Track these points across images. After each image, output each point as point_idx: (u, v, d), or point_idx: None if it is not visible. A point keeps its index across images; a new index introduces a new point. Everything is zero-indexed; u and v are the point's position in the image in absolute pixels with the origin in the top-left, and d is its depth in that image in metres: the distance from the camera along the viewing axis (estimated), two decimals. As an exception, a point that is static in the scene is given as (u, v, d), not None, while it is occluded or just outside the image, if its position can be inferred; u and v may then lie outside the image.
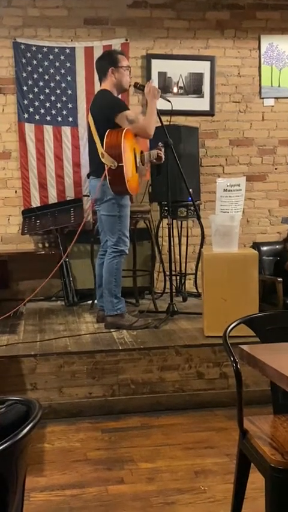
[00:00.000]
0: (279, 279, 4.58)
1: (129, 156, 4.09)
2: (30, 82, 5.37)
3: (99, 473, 2.90)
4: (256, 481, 2.17)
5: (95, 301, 4.76)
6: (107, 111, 4.04)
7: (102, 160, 3.99)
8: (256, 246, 5.22)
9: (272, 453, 1.87)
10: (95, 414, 3.63)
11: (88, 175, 4.44)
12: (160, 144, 4.42)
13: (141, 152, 4.35)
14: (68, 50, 5.43)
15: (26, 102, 5.38)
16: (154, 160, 4.42)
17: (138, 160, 4.27)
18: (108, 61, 4.22)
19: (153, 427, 3.47)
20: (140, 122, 4.10)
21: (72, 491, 2.72)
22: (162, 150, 4.42)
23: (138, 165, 4.24)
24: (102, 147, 3.99)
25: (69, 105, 5.44)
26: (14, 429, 1.30)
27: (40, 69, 5.39)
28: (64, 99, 5.43)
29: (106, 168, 3.96)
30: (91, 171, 4.30)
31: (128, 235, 4.21)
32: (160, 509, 2.55)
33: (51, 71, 5.40)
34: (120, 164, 3.93)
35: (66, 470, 2.95)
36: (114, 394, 3.72)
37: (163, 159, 4.41)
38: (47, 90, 5.41)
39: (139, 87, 4.44)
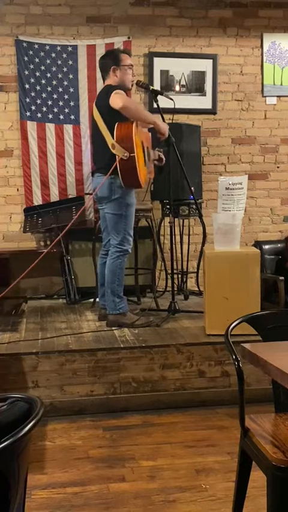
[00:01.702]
0: (280, 278, 4.58)
1: (139, 148, 4.08)
2: (32, 80, 5.37)
3: (101, 471, 2.90)
4: (257, 479, 2.17)
5: (97, 300, 4.76)
6: (109, 99, 4.00)
7: (113, 151, 3.95)
8: (258, 244, 5.21)
9: (273, 451, 1.87)
10: (96, 412, 3.63)
11: (93, 173, 4.42)
12: (160, 148, 4.41)
13: (147, 148, 4.34)
14: (70, 48, 5.42)
15: (28, 100, 5.38)
16: (156, 162, 4.41)
17: (146, 154, 4.25)
18: (111, 60, 4.21)
19: (154, 425, 3.47)
20: (131, 102, 4.04)
21: (74, 489, 2.72)
22: (162, 152, 4.41)
23: (146, 158, 4.23)
24: (113, 138, 3.97)
25: (71, 103, 5.44)
26: (15, 427, 1.30)
27: (42, 67, 5.38)
28: (66, 97, 5.43)
29: (117, 158, 3.93)
30: (98, 168, 4.26)
31: (132, 234, 4.21)
32: (161, 507, 2.55)
33: (54, 68, 5.40)
34: (132, 154, 3.90)
35: (68, 468, 2.95)
36: (116, 392, 3.72)
37: (164, 161, 4.40)
38: (49, 88, 5.41)
39: (142, 85, 4.44)
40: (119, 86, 4.20)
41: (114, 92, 3.97)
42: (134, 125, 3.96)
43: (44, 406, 1.37)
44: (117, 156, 3.93)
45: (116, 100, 3.92)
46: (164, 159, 4.40)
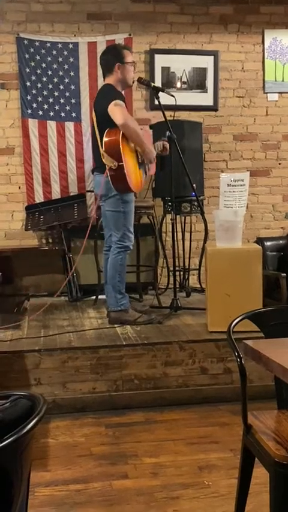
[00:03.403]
0: (283, 274, 4.58)
1: (130, 153, 4.07)
2: (33, 77, 5.37)
3: (103, 468, 2.91)
4: (260, 476, 2.17)
5: (100, 297, 4.76)
6: (106, 105, 3.99)
7: (103, 160, 3.97)
8: (260, 241, 5.21)
9: (276, 448, 1.87)
10: (98, 409, 3.64)
11: (93, 171, 4.43)
12: (164, 137, 4.40)
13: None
14: (71, 45, 5.41)
15: (29, 97, 5.37)
16: (159, 152, 4.40)
17: (140, 156, 4.25)
18: (115, 56, 4.19)
19: (157, 422, 3.47)
20: (131, 120, 4.03)
21: (77, 486, 2.73)
22: (166, 140, 4.40)
23: (140, 161, 4.23)
24: (102, 148, 3.98)
25: (73, 101, 5.44)
26: (18, 424, 1.30)
27: (43, 65, 5.38)
28: (67, 94, 5.43)
29: (107, 167, 3.94)
30: (95, 167, 4.30)
31: (132, 230, 4.21)
32: (164, 504, 2.56)
33: (55, 66, 5.39)
34: (120, 164, 3.91)
35: (71, 465, 2.95)
36: (118, 390, 3.72)
37: (168, 151, 4.40)
38: (50, 86, 5.40)
39: (143, 82, 4.43)
40: (120, 85, 4.20)
41: (114, 102, 3.93)
42: (121, 132, 3.95)
43: (46, 403, 1.37)
44: (106, 165, 3.93)
45: (117, 115, 3.91)
46: (168, 147, 4.38)
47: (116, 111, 3.91)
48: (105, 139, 3.97)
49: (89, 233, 4.84)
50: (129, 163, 4.01)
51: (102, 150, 3.98)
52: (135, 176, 4.11)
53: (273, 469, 1.85)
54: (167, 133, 4.37)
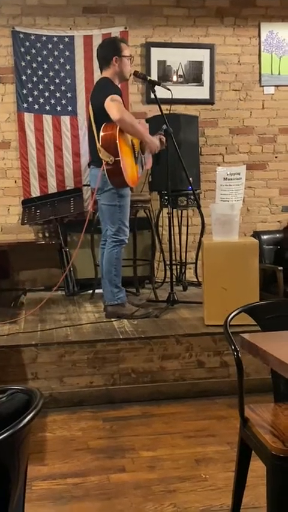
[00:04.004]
0: (279, 268, 4.58)
1: (127, 148, 4.06)
2: (29, 71, 5.34)
3: (101, 462, 2.91)
4: (257, 468, 2.18)
5: (96, 291, 4.75)
6: (103, 99, 3.98)
7: (100, 155, 3.96)
8: (256, 234, 5.21)
9: (273, 441, 1.88)
10: (96, 403, 3.64)
11: (89, 165, 4.42)
12: (160, 131, 4.39)
13: (141, 142, 4.32)
14: (67, 39, 5.39)
15: (25, 91, 5.35)
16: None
17: (137, 151, 4.25)
18: (112, 49, 4.17)
19: (154, 416, 3.48)
20: (128, 115, 4.01)
21: (74, 480, 2.74)
22: (162, 134, 4.39)
23: (137, 155, 4.22)
24: (99, 142, 3.96)
25: (69, 94, 5.41)
26: (15, 418, 1.30)
27: (39, 58, 5.35)
28: (63, 88, 5.40)
29: (104, 162, 3.94)
30: (92, 161, 4.28)
31: (127, 225, 4.20)
32: (161, 497, 2.56)
33: (50, 59, 5.37)
34: (116, 159, 3.90)
35: (68, 459, 2.96)
36: (115, 383, 3.73)
37: (165, 145, 4.39)
38: (46, 80, 5.38)
39: (139, 76, 4.42)
40: (117, 78, 4.19)
41: (110, 97, 3.92)
42: (118, 126, 3.93)
43: (43, 397, 1.37)
44: (103, 160, 3.93)
45: (113, 110, 3.90)
46: (165, 140, 4.37)
47: (112, 106, 3.90)
48: (101, 134, 3.95)
49: (86, 227, 4.85)
50: (126, 158, 4.00)
51: (98, 145, 3.97)
52: (132, 171, 4.10)
53: (270, 462, 1.86)
54: (164, 127, 4.37)
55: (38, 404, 1.33)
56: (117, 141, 3.89)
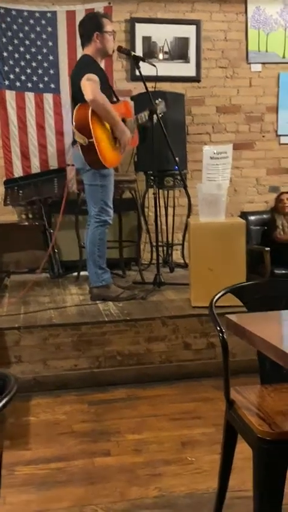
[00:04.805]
0: (266, 249, 4.54)
1: (102, 129, 3.92)
2: (10, 48, 5.20)
3: (85, 446, 2.86)
4: (243, 451, 2.12)
5: (81, 273, 4.68)
6: (81, 78, 3.84)
7: (75, 137, 3.85)
8: (244, 215, 5.16)
9: (259, 424, 1.82)
10: (81, 386, 3.58)
11: (73, 144, 4.31)
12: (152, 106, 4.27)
13: (123, 120, 4.19)
14: (49, 14, 5.25)
15: (6, 68, 5.21)
16: (143, 123, 4.26)
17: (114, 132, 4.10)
18: (93, 25, 4.05)
19: (140, 399, 3.43)
20: (101, 97, 3.84)
21: (58, 465, 2.68)
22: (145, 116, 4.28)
23: (115, 134, 4.06)
24: (72, 124, 3.85)
25: (51, 71, 5.29)
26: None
27: (21, 34, 5.21)
28: (45, 65, 5.28)
29: (78, 144, 3.83)
30: (75, 140, 4.17)
31: (111, 205, 4.11)
32: (146, 481, 2.52)
33: (32, 36, 5.23)
34: (90, 140, 3.78)
35: (52, 443, 2.90)
36: (100, 366, 3.67)
37: (155, 120, 4.26)
38: (28, 56, 5.25)
39: (123, 51, 4.30)
40: (99, 55, 4.07)
41: (86, 76, 3.79)
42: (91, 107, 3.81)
43: (17, 382, 1.30)
44: (78, 142, 3.82)
45: (87, 90, 3.77)
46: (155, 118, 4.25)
47: (86, 85, 3.78)
48: (75, 114, 3.84)
49: (70, 208, 4.75)
50: (101, 139, 3.87)
51: (72, 127, 3.85)
52: (110, 152, 3.96)
53: (256, 446, 1.81)
54: (158, 100, 4.25)
55: (12, 390, 1.26)
56: (90, 122, 3.77)
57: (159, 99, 4.32)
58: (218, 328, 1.97)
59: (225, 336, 1.95)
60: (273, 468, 1.80)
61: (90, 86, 3.78)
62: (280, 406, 1.96)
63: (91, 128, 3.77)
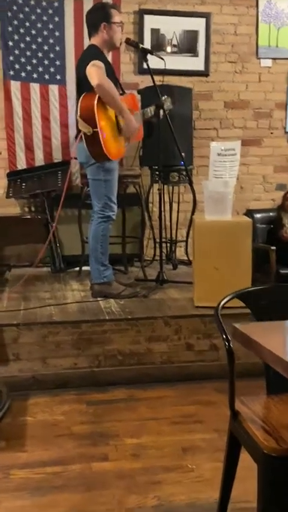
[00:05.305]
0: (272, 248, 4.45)
1: (107, 119, 3.82)
2: (16, 37, 5.10)
3: (83, 449, 2.79)
4: (246, 459, 2.04)
5: (83, 268, 4.60)
6: (86, 67, 3.75)
7: (79, 127, 3.75)
8: (250, 213, 5.06)
9: (265, 438, 1.75)
10: (80, 385, 3.51)
11: (76, 136, 4.22)
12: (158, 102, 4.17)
13: (133, 111, 4.09)
14: (56, 4, 5.14)
15: (11, 58, 5.11)
16: (149, 118, 4.16)
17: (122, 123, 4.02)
18: (101, 15, 3.96)
19: (140, 400, 3.35)
20: (108, 83, 3.74)
21: (54, 469, 2.61)
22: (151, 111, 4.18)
23: (120, 126, 3.97)
24: (77, 113, 3.75)
25: (57, 62, 5.18)
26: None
27: (27, 23, 5.10)
28: (52, 55, 5.17)
29: (82, 133, 3.73)
30: (78, 131, 4.07)
31: (115, 200, 4.02)
32: (145, 489, 2.44)
33: (39, 25, 5.12)
34: (95, 130, 3.68)
35: (48, 446, 2.83)
36: (100, 365, 3.60)
37: (161, 116, 4.17)
38: (34, 46, 5.14)
39: (131, 43, 4.20)
40: (106, 46, 3.98)
41: (92, 63, 3.70)
42: (97, 96, 3.72)
43: (10, 399, 1.22)
44: (81, 132, 3.72)
45: (93, 75, 3.68)
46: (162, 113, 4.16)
47: (92, 71, 3.69)
48: (81, 103, 3.75)
49: (73, 202, 4.67)
50: (106, 130, 3.78)
51: (77, 116, 3.76)
52: (114, 144, 3.87)
53: (262, 461, 1.73)
54: (165, 97, 4.16)
55: (4, 407, 1.18)
56: (95, 111, 3.67)
57: (166, 96, 4.21)
58: (224, 337, 1.89)
59: (231, 345, 1.87)
60: (279, 485, 1.73)
61: (96, 71, 3.69)
62: (287, 418, 1.88)
63: (96, 117, 3.68)
